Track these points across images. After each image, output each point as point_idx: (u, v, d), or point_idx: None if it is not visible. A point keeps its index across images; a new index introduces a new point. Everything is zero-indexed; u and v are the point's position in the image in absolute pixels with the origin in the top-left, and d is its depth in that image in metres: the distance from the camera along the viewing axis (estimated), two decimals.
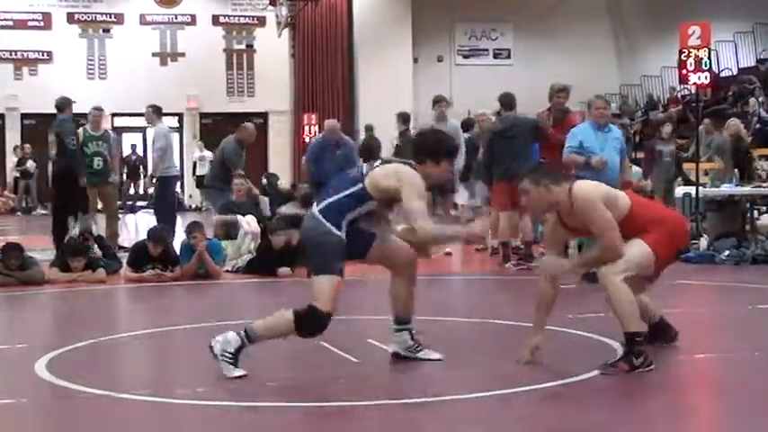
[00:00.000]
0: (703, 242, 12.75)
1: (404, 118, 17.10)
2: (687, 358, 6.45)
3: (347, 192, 5.93)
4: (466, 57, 31.26)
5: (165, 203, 14.90)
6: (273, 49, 29.22)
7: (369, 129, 21.14)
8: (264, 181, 19.76)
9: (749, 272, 11.40)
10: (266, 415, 5.29)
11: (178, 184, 21.53)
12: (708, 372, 5.99)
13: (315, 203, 6.04)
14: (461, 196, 15.17)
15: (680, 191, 17.13)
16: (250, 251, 12.06)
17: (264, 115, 29.63)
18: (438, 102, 14.28)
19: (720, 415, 5.30)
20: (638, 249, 6.01)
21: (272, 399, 5.48)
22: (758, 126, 22.56)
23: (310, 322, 5.81)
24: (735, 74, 29.36)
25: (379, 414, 5.19)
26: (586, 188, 6.21)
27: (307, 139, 27.80)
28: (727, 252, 12.03)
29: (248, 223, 12.61)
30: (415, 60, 30.21)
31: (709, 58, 14.29)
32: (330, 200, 5.93)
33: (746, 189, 13.52)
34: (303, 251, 6.01)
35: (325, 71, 29.60)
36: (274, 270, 11.28)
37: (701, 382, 5.90)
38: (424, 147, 6.13)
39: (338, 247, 5.83)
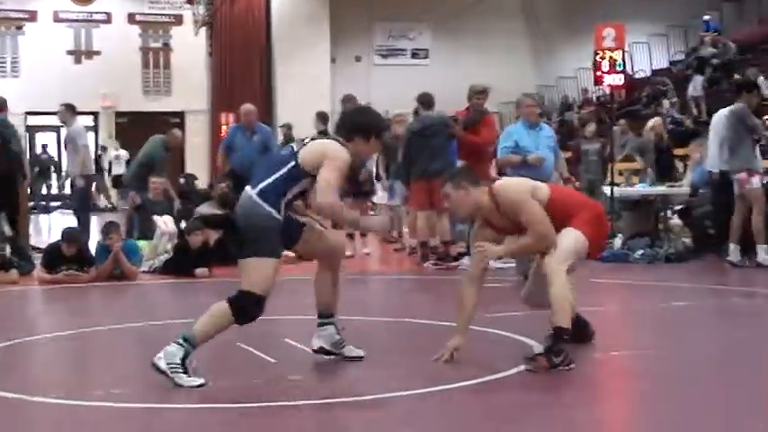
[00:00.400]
0: (617, 241, 12.91)
1: (323, 117, 17.06)
2: (603, 356, 6.52)
3: (281, 172, 5.87)
4: (384, 56, 31.35)
5: (85, 203, 14.67)
6: (190, 48, 29.02)
7: (287, 127, 21.08)
8: (182, 181, 19.60)
9: (662, 270, 11.57)
10: (180, 416, 5.23)
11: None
12: (624, 369, 6.05)
13: (249, 186, 5.92)
14: (380, 197, 15.18)
15: None
16: (167, 251, 11.94)
17: (181, 114, 29.42)
18: (348, 101, 14.16)
19: (637, 411, 5.36)
20: (572, 237, 6.13)
21: (187, 401, 5.41)
22: (671, 127, 22.91)
23: (249, 308, 5.74)
24: (648, 75, 29.81)
25: (300, 415, 5.16)
26: (510, 184, 6.34)
27: None
28: (640, 251, 12.20)
29: (165, 223, 12.49)
30: (333, 60, 30.20)
31: (624, 59, 14.48)
32: (267, 182, 5.86)
33: (660, 189, 13.72)
34: (234, 236, 5.89)
35: (243, 70, 29.45)
36: (191, 270, 11.18)
37: (617, 378, 5.96)
38: (354, 124, 6.14)
39: (278, 231, 5.80)
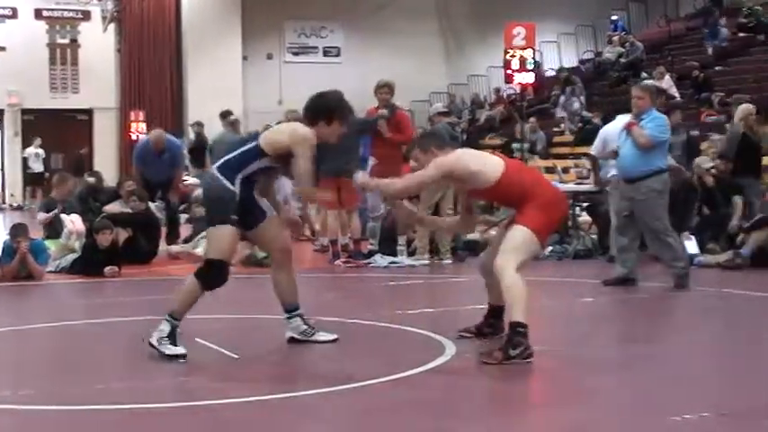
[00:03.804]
0: None
1: (227, 116, 16.99)
2: None
3: (241, 150, 6.30)
4: (296, 54, 31.23)
5: None
6: (99, 45, 28.57)
7: (198, 125, 20.94)
8: (90, 179, 19.30)
9: (571, 267, 11.70)
10: (80, 416, 5.12)
11: None
12: (534, 364, 6.09)
13: (213, 164, 6.50)
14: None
15: None
16: (75, 250, 11.74)
17: (89, 112, 29.00)
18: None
19: (547, 406, 5.40)
20: (520, 236, 6.22)
21: (88, 401, 5.31)
22: (580, 125, 23.21)
23: (212, 275, 6.18)
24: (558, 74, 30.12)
25: (199, 416, 5.10)
26: (451, 155, 6.50)
27: (134, 137, 27.33)
28: (550, 248, 12.31)
29: (72, 222, 12.28)
30: (245, 58, 30.03)
31: (534, 58, 14.63)
32: (226, 158, 6.30)
33: (568, 186, 13.87)
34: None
35: (153, 67, 29.11)
36: (100, 270, 11.01)
37: (528, 374, 6.00)
38: (317, 107, 6.47)
39: (232, 202, 6.17)
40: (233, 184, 6.18)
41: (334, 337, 6.70)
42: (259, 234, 6.56)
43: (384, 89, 12.19)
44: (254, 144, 6.29)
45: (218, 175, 6.24)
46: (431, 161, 6.41)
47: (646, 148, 9.46)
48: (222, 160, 6.32)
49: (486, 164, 6.42)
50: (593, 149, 11.69)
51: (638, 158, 9.52)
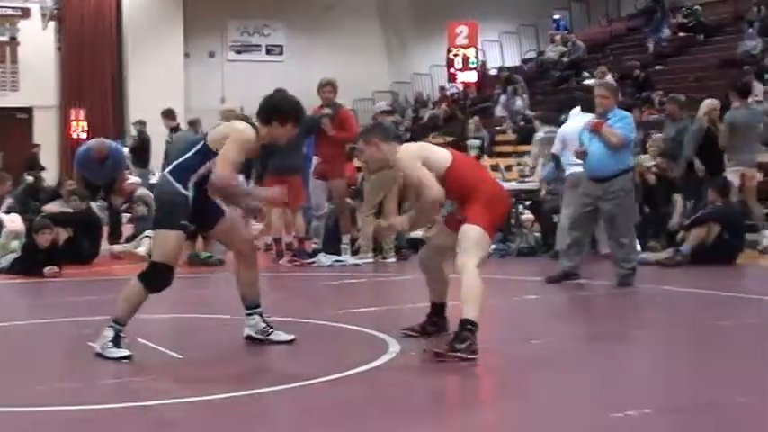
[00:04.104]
0: None
1: (170, 115, 16.89)
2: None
3: (191, 151, 6.29)
4: (238, 52, 31.12)
5: None
6: (38, 42, 28.19)
7: (140, 124, 20.77)
8: (29, 179, 19.10)
9: (514, 264, 11.77)
10: (20, 419, 5.06)
11: None
12: (478, 362, 6.10)
13: (165, 167, 6.56)
14: None
15: None
16: (14, 250, 11.60)
17: (29, 110, 28.65)
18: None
19: (490, 402, 5.42)
20: (474, 234, 6.23)
21: (39, 402, 5.26)
22: (522, 123, 23.33)
23: (156, 278, 6.18)
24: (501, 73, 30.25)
25: (145, 416, 5.06)
26: (407, 147, 6.57)
27: (74, 135, 27.08)
28: (493, 246, 12.35)
29: (12, 221, 12.14)
30: (187, 55, 29.87)
31: (476, 57, 14.69)
32: (177, 161, 6.30)
33: (511, 184, 13.94)
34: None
35: (93, 65, 28.84)
36: (40, 270, 10.87)
37: (471, 371, 6.01)
38: (272, 107, 6.42)
39: (183, 206, 6.16)
40: (186, 187, 6.16)
41: (292, 337, 6.65)
42: (221, 231, 6.54)
43: (327, 87, 12.18)
44: (202, 144, 6.27)
45: (171, 178, 6.21)
46: (374, 153, 6.48)
47: (617, 147, 9.53)
48: (174, 163, 6.31)
49: (437, 153, 6.54)
50: (554, 149, 11.79)
51: (608, 158, 9.59)
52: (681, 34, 25.68)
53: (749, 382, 5.58)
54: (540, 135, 13.50)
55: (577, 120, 11.11)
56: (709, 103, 13.08)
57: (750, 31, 22.36)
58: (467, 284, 6.15)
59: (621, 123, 9.62)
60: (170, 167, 6.32)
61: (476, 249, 6.22)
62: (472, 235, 6.25)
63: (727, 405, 5.05)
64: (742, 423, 4.77)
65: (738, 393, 5.24)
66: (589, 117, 10.09)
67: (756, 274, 11.22)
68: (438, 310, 6.81)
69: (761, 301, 8.86)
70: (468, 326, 6.06)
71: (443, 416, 5.07)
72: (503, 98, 25.65)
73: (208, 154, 6.21)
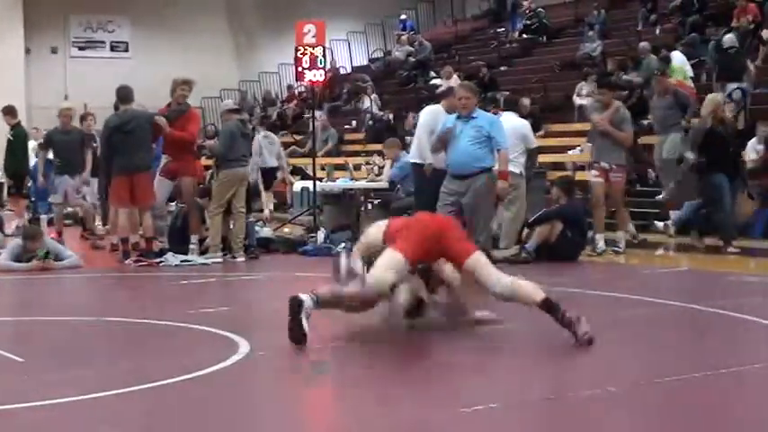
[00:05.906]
0: (320, 235, 13.10)
1: (11, 111, 16.47)
2: (301, 348, 6.57)
3: None
4: (82, 49, 30.46)
5: None
6: None
7: None
8: None
9: None
10: None
11: None
12: (334, 360, 6.13)
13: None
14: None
15: (298, 185, 17.57)
16: None
17: None
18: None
19: (341, 400, 5.45)
20: (386, 257, 6.57)
21: None
22: (370, 123, 23.47)
23: None
24: (349, 72, 30.39)
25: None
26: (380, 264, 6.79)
27: None
28: (342, 244, 12.41)
29: None
30: (28, 51, 29.10)
31: (324, 56, 14.70)
32: None
33: (360, 183, 14.01)
34: None
35: None
36: None
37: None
38: None
39: None
40: None
41: None
42: None
43: (185, 86, 12.14)
44: None
45: None
46: None
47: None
48: None
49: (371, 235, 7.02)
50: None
51: (471, 156, 10.16)
52: (524, 36, 26.19)
53: (595, 376, 5.74)
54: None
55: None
56: (713, 100, 12.48)
57: (590, 33, 22.96)
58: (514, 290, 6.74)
59: (497, 127, 10.46)
60: None
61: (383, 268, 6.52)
62: (383, 260, 6.56)
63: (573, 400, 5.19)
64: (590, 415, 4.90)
65: (584, 388, 5.39)
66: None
67: (596, 270, 11.50)
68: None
69: (599, 296, 9.10)
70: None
71: (290, 416, 5.07)
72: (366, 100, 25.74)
73: None
